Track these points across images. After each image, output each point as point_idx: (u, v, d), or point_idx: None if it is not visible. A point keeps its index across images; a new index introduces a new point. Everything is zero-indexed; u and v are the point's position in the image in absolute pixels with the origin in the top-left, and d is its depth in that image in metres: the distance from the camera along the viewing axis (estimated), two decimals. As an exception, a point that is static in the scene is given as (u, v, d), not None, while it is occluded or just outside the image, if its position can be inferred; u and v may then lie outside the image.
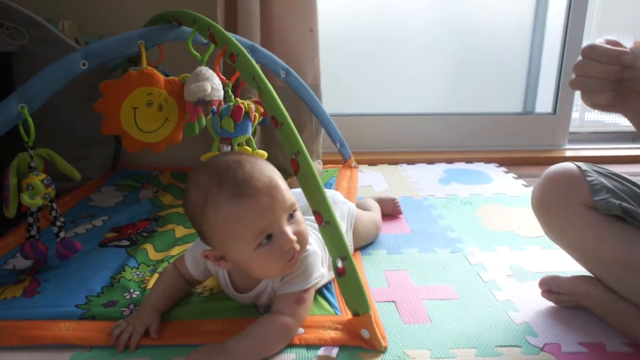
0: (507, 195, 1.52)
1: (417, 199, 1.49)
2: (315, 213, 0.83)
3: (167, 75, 1.14)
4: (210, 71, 1.09)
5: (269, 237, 0.77)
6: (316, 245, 0.90)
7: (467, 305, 0.92)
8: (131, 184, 1.57)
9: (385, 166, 1.84)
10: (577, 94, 2.04)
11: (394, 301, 0.94)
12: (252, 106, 1.02)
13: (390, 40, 1.92)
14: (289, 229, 0.77)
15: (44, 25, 1.32)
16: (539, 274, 1.02)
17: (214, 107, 1.03)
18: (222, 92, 1.08)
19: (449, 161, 1.87)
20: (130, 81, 1.08)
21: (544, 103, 2.01)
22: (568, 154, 1.95)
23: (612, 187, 0.84)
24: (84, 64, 1.00)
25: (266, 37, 1.54)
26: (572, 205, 0.84)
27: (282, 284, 0.84)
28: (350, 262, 0.81)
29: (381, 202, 1.33)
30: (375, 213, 1.23)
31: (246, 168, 0.76)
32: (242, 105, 0.99)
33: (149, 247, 1.12)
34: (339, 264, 0.81)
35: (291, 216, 0.79)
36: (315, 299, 0.93)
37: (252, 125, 1.03)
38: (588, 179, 0.85)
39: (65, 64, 0.97)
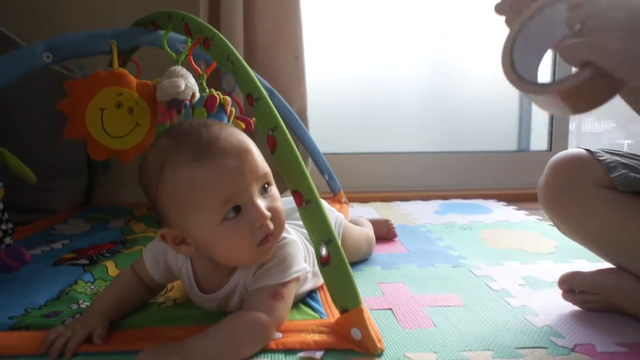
0: (511, 222, 1.40)
1: (413, 225, 1.37)
2: (294, 194, 0.72)
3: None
4: (185, 70, 1.02)
5: (237, 210, 0.65)
6: (301, 244, 0.77)
7: (477, 311, 0.78)
8: (102, 217, 1.44)
9: (378, 203, 1.74)
10: (572, 129, 1.99)
11: (390, 308, 0.80)
12: (229, 100, 0.94)
13: (381, 87, 1.89)
14: (261, 203, 0.66)
15: (14, 40, 1.27)
16: (555, 283, 0.88)
17: (187, 102, 0.94)
18: (197, 89, 1.00)
19: (445, 198, 1.77)
20: (98, 80, 1.00)
21: (539, 140, 1.95)
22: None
23: (628, 164, 0.74)
24: (47, 57, 0.93)
25: (251, 64, 1.49)
26: (585, 187, 0.74)
27: (256, 278, 0.70)
28: (336, 247, 0.68)
29: (374, 223, 1.21)
30: (368, 229, 1.10)
31: (212, 129, 0.66)
32: (216, 96, 0.90)
33: (109, 264, 0.97)
34: (323, 251, 0.69)
35: (265, 189, 0.68)
36: (296, 306, 0.78)
37: (228, 120, 0.94)
38: (600, 158, 0.76)
39: (27, 52, 0.90)
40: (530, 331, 0.71)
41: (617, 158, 0.75)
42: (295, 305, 0.78)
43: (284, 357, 0.64)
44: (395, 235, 1.22)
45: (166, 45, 1.02)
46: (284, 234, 0.73)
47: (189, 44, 1.00)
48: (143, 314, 0.76)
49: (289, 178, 0.73)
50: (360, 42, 1.85)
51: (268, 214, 0.65)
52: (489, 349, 0.66)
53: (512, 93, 1.94)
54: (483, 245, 1.16)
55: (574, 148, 0.81)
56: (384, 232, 1.21)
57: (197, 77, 0.99)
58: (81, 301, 0.81)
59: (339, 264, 0.67)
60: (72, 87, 1.00)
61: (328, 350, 0.65)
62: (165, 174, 0.64)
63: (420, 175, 1.89)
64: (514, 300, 0.82)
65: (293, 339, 0.67)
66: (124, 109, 1.02)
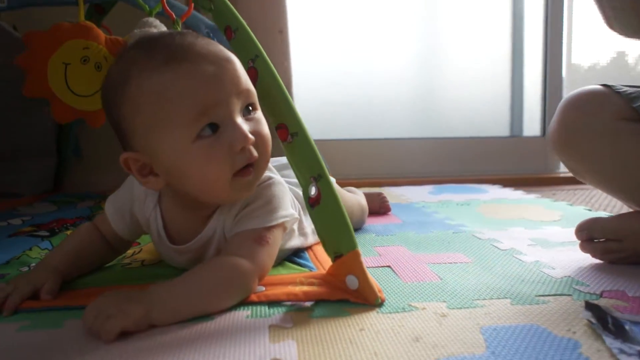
0: (509, 199, 1.32)
1: (407, 203, 1.28)
2: (279, 128, 0.62)
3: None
4: (159, 22, 0.93)
5: (215, 129, 0.55)
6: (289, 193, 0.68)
7: (486, 266, 0.70)
8: (70, 200, 1.32)
9: (367, 188, 1.64)
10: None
11: (388, 266, 0.71)
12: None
13: (370, 74, 1.81)
14: (243, 124, 0.56)
15: (8, 30, 1.17)
16: (568, 242, 0.80)
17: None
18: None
19: (438, 183, 1.69)
20: (61, 31, 0.91)
21: (532, 126, 1.90)
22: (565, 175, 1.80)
23: (652, 94, 0.67)
24: (1, 1, 0.83)
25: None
26: (605, 121, 0.67)
27: (237, 220, 0.61)
28: (327, 182, 0.59)
29: (366, 196, 1.12)
30: (361, 198, 1.01)
31: (187, 36, 0.57)
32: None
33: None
34: (312, 190, 0.59)
35: (248, 111, 0.58)
36: (280, 263, 0.69)
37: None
38: (619, 90, 0.69)
39: (-23, -7, 0.80)
40: (548, 281, 0.62)
41: (638, 89, 0.68)
42: (278, 262, 0.68)
43: (267, 309, 0.54)
44: (388, 209, 1.14)
45: (137, -5, 0.93)
46: (269, 174, 0.64)
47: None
48: (103, 273, 0.66)
49: (272, 110, 0.63)
50: (350, 29, 1.78)
51: (251, 137, 0.55)
52: (506, 297, 0.57)
53: (504, 80, 1.89)
54: (483, 217, 1.07)
55: (588, 86, 0.73)
56: (377, 206, 1.12)
57: (172, 24, 0.90)
58: (33, 265, 0.70)
59: (330, 201, 0.58)
60: (32, 39, 0.90)
61: (319, 302, 0.56)
62: (131, 82, 0.54)
63: (412, 162, 1.81)
64: (525, 257, 0.73)
65: (278, 291, 0.57)
66: (91, 64, 0.92)
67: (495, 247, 0.80)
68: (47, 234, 0.90)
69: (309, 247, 0.76)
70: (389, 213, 1.13)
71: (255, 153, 0.56)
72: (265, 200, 0.61)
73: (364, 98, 1.83)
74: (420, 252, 0.78)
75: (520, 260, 0.72)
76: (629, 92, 0.68)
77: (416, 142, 1.83)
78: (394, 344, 0.46)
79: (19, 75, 0.94)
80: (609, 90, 0.70)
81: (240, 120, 0.56)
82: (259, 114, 0.60)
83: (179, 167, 0.56)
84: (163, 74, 0.53)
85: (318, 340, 0.47)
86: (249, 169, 0.57)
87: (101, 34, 0.94)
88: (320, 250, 0.77)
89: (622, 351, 0.42)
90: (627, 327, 0.47)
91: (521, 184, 1.69)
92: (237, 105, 0.56)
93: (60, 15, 0.98)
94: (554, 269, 0.67)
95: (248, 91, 0.57)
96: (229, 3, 0.73)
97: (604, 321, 0.48)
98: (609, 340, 0.44)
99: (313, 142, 0.61)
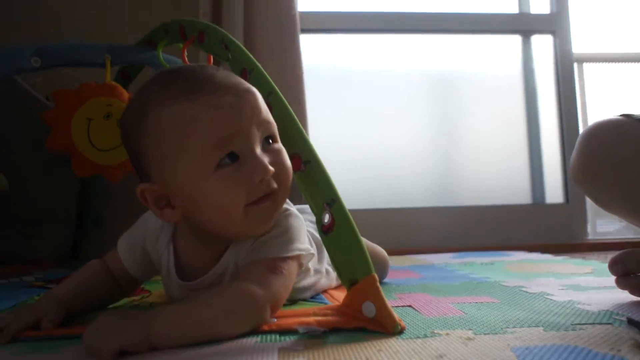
0: (536, 259, 1.26)
1: (428, 264, 1.23)
2: (292, 158, 0.62)
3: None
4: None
5: (233, 158, 0.54)
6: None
7: (515, 304, 0.65)
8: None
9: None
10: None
11: (409, 305, 0.66)
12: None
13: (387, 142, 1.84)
14: (262, 155, 0.56)
15: (42, 102, 1.24)
16: (603, 287, 0.75)
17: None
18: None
19: (459, 251, 1.63)
20: (88, 90, 0.96)
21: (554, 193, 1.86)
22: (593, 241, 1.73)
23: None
24: (35, 61, 0.89)
25: (250, 49, 1.47)
26: (628, 147, 0.65)
27: (252, 250, 0.58)
28: (341, 207, 0.57)
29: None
30: (383, 251, 0.98)
31: (208, 68, 0.58)
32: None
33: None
34: (326, 217, 0.58)
35: (268, 142, 0.58)
36: (293, 302, 0.65)
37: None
38: (639, 118, 0.68)
39: (15, 52, 0.87)
40: (584, 314, 0.57)
41: (658, 114, 0.67)
42: (292, 302, 0.65)
43: (278, 336, 0.50)
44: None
45: (161, 56, 0.98)
46: (286, 206, 0.62)
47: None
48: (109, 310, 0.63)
49: (286, 141, 0.64)
50: (367, 103, 1.82)
51: (271, 169, 0.55)
52: (538, 326, 0.52)
53: (521, 146, 1.90)
54: (509, 272, 1.02)
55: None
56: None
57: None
58: (40, 305, 0.68)
59: (344, 226, 0.56)
60: (60, 96, 0.95)
61: (334, 330, 0.52)
62: (150, 114, 0.55)
63: (433, 232, 1.77)
64: (557, 297, 0.68)
65: (290, 321, 0.53)
66: (113, 120, 0.96)
67: (524, 291, 0.75)
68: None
69: (324, 291, 0.73)
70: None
71: (274, 184, 0.56)
72: (281, 230, 0.59)
73: (384, 170, 1.83)
74: (443, 296, 0.73)
75: (552, 300, 0.67)
76: (651, 115, 0.67)
77: (436, 211, 1.80)
78: (415, 361, 0.41)
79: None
80: (629, 118, 0.69)
81: (259, 151, 0.55)
82: (279, 145, 0.59)
83: (197, 197, 0.55)
84: (182, 103, 0.54)
85: (331, 359, 0.42)
86: (264, 197, 0.56)
87: (125, 93, 0.99)
88: (337, 293, 0.73)
89: (675, 360, 0.37)
90: (677, 343, 0.42)
91: (547, 251, 1.63)
92: (257, 136, 0.56)
93: (88, 78, 1.04)
94: (590, 305, 0.62)
95: (268, 122, 0.58)
96: (244, 49, 0.76)
97: (650, 337, 0.43)
98: (658, 353, 0.39)
99: (326, 169, 0.60)
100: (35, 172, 1.29)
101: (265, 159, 0.55)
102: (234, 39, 0.79)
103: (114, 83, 0.98)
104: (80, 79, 1.07)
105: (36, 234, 1.31)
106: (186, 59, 0.89)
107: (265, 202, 0.56)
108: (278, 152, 0.58)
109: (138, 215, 0.66)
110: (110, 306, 0.66)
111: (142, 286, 0.77)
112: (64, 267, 1.29)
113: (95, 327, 0.45)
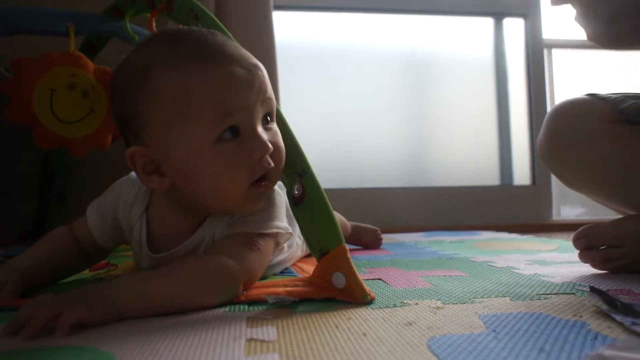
0: (503, 237, 1.29)
1: (399, 242, 1.24)
2: (263, 128, 0.61)
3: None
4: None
5: (235, 133, 0.52)
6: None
7: (482, 277, 0.66)
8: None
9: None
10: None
11: (379, 278, 0.66)
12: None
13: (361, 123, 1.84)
14: (263, 132, 0.54)
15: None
16: (567, 262, 0.77)
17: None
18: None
19: (429, 230, 1.65)
20: (50, 59, 0.91)
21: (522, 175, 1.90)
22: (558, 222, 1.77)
23: (636, 95, 0.67)
24: (-9, 26, 0.84)
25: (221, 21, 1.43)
26: (592, 125, 0.66)
27: (232, 223, 0.57)
28: (312, 178, 0.56)
29: (359, 229, 1.09)
30: (340, 216, 0.97)
31: (219, 36, 0.56)
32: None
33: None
34: (296, 189, 0.57)
35: (267, 120, 0.56)
36: (266, 278, 0.64)
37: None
38: (604, 97, 0.69)
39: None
40: (549, 285, 0.59)
41: (623, 93, 0.68)
42: (263, 278, 0.64)
43: (247, 307, 0.50)
44: (380, 243, 1.10)
45: (128, 27, 0.95)
46: None
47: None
48: (74, 283, 0.61)
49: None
50: (343, 90, 1.82)
51: (271, 147, 0.53)
52: (505, 296, 0.53)
53: (491, 129, 1.93)
54: (477, 249, 1.04)
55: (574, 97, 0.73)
56: (369, 241, 1.09)
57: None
58: None
59: (315, 196, 0.55)
60: (19, 65, 0.90)
61: (303, 300, 0.51)
62: (153, 75, 0.52)
63: (404, 212, 1.79)
64: (523, 271, 0.70)
65: (259, 291, 0.53)
66: (78, 91, 0.92)
67: (492, 266, 0.76)
68: (19, 262, 0.85)
69: (293, 264, 0.72)
70: (380, 247, 1.09)
71: (271, 163, 0.54)
72: (263, 206, 0.58)
73: (356, 150, 1.83)
74: (412, 270, 0.74)
75: (518, 273, 0.68)
76: (613, 97, 0.68)
77: (407, 192, 1.81)
78: (384, 327, 0.41)
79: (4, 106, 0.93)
80: (594, 97, 0.70)
81: (260, 129, 0.54)
82: (275, 125, 0.58)
83: (193, 168, 0.52)
84: (191, 69, 0.51)
85: (300, 326, 0.42)
86: (262, 182, 0.54)
87: (90, 63, 0.95)
88: (306, 266, 0.73)
89: (635, 323, 0.38)
90: (637, 309, 0.43)
91: (514, 231, 1.66)
92: (260, 113, 0.54)
93: (51, 47, 0.99)
94: (554, 277, 0.64)
95: (271, 100, 0.56)
96: (216, 19, 0.74)
97: (612, 304, 0.44)
98: (620, 318, 0.40)
99: (297, 140, 0.60)
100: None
101: (265, 137, 0.54)
102: (205, 8, 0.76)
103: (78, 53, 0.94)
104: (41, 48, 1.03)
105: (-4, 209, 1.26)
106: (155, 29, 0.85)
107: (262, 188, 0.54)
108: (275, 132, 0.57)
109: (99, 189, 0.64)
110: (75, 276, 0.64)
111: (108, 260, 0.75)
112: (26, 243, 1.25)
113: (38, 299, 0.43)
